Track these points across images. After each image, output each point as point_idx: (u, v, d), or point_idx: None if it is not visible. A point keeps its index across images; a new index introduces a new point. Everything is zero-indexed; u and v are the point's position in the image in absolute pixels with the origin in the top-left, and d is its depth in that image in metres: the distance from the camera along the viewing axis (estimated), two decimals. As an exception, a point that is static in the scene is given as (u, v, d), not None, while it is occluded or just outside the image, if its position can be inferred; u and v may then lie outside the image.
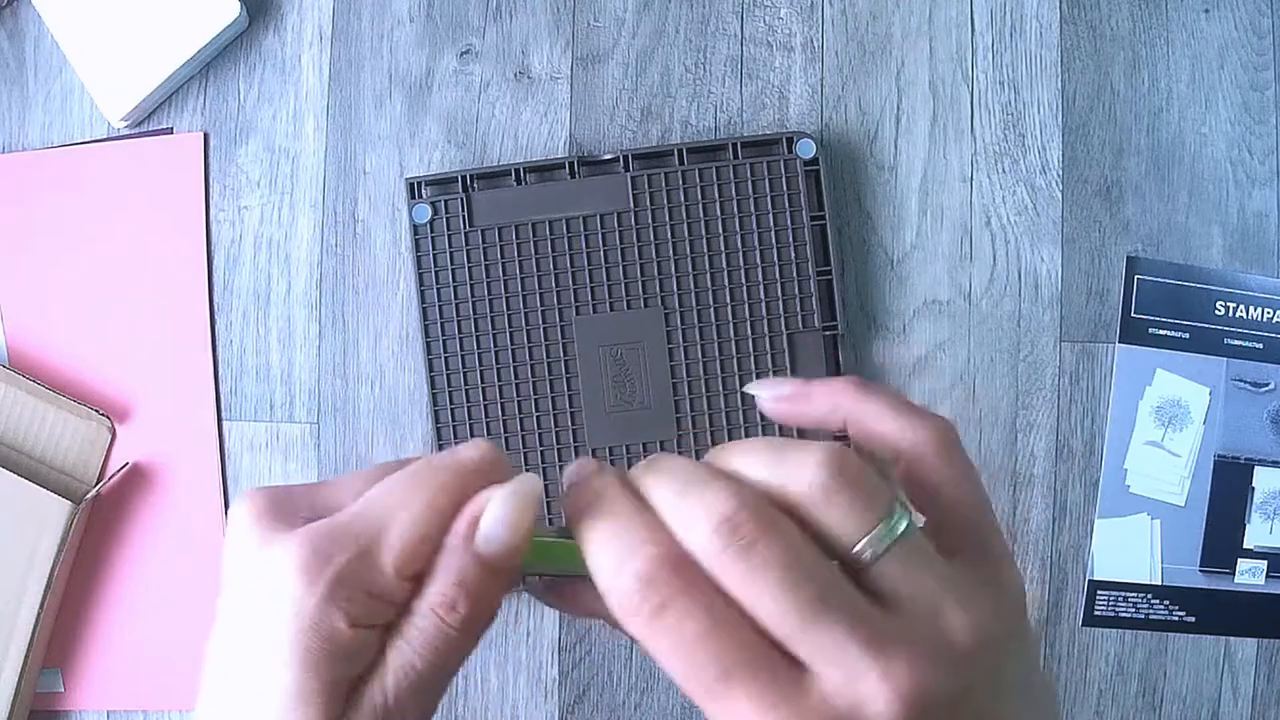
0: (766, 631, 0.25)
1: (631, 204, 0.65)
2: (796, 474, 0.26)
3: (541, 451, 0.64)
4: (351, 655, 0.28)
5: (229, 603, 0.29)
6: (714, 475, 0.27)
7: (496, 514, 0.28)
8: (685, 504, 0.26)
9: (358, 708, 0.28)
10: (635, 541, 0.26)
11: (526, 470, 0.64)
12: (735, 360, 0.64)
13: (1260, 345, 0.66)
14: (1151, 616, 0.66)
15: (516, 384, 0.65)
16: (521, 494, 0.28)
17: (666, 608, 0.25)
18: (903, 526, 0.26)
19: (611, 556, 0.26)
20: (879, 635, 0.25)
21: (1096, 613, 0.66)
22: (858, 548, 0.26)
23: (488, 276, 0.65)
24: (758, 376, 0.64)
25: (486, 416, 0.65)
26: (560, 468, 0.64)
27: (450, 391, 0.65)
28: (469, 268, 0.65)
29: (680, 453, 0.64)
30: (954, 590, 0.26)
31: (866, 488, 0.26)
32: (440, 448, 0.65)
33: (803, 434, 0.58)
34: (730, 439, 0.64)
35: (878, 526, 0.26)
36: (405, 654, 0.28)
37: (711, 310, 0.64)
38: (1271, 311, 0.66)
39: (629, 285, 0.65)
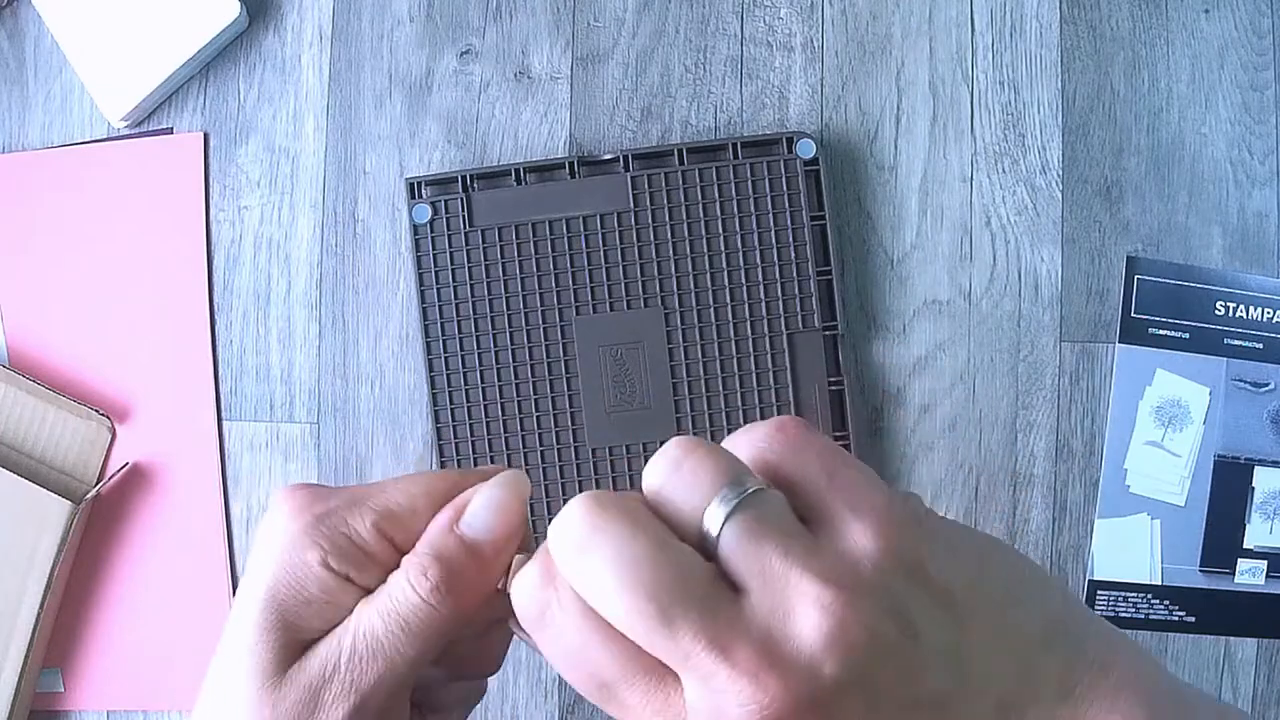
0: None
1: (631, 204, 0.65)
2: (647, 480, 0.26)
3: (541, 451, 0.64)
4: (314, 600, 0.29)
5: (250, 556, 0.31)
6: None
7: (481, 499, 0.29)
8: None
9: (309, 656, 0.29)
10: (535, 558, 0.26)
11: (526, 470, 0.65)
12: (735, 360, 0.64)
13: (1260, 345, 0.66)
14: (1151, 616, 0.66)
15: (516, 384, 0.65)
16: (507, 484, 0.30)
17: (544, 617, 0.25)
18: (740, 493, 0.25)
19: (521, 572, 0.26)
20: (724, 634, 0.23)
21: (1097, 612, 0.66)
22: (702, 526, 0.25)
23: (488, 276, 0.65)
24: (758, 377, 0.64)
25: (486, 416, 0.65)
26: (560, 468, 0.65)
27: (450, 391, 0.65)
28: (469, 268, 0.65)
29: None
30: (802, 571, 0.24)
31: (701, 469, 0.25)
32: (440, 448, 0.65)
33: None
34: (730, 439, 0.64)
35: (713, 501, 0.25)
36: (367, 614, 0.29)
37: (711, 310, 0.64)
38: (1271, 311, 0.66)
39: (629, 285, 0.65)
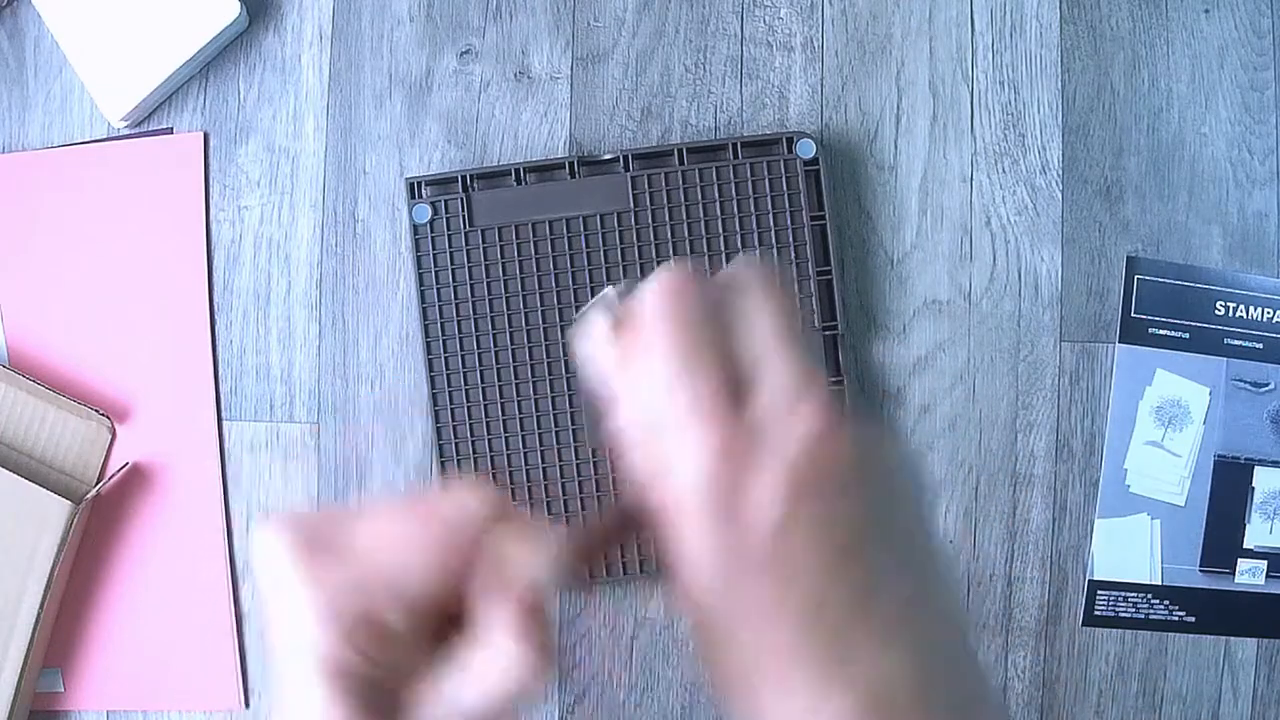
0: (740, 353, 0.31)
1: (631, 204, 0.65)
2: None
3: (541, 452, 0.64)
4: (374, 676, 0.29)
5: (271, 624, 0.30)
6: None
7: (536, 572, 0.30)
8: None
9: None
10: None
11: (525, 470, 0.65)
12: (735, 360, 0.64)
13: (1260, 345, 0.66)
14: (1151, 616, 0.66)
15: (516, 384, 0.65)
16: (547, 552, 0.30)
17: (683, 294, 0.31)
18: None
19: (657, 276, 0.31)
20: (815, 379, 0.30)
21: (1096, 613, 0.66)
22: None
23: (488, 276, 0.65)
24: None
25: (486, 416, 0.65)
26: (560, 468, 0.64)
27: (450, 391, 0.65)
28: (469, 268, 0.65)
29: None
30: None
31: None
32: (440, 448, 0.65)
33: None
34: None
35: None
36: (470, 698, 0.29)
37: (711, 310, 0.64)
38: (1271, 311, 0.66)
39: (629, 285, 0.65)
